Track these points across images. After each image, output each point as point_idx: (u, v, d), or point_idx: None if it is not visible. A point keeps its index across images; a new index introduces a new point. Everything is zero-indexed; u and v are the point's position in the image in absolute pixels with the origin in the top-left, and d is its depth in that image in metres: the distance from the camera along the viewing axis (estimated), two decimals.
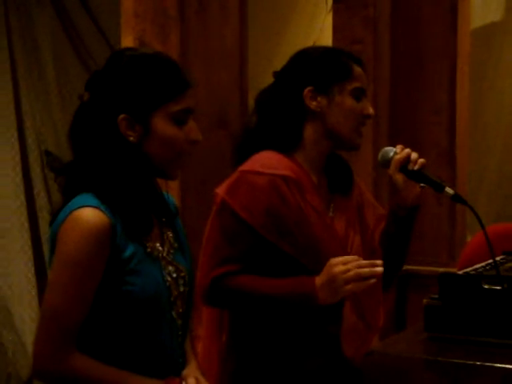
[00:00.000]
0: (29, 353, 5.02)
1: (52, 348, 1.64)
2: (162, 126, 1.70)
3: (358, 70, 2.11)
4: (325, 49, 2.18)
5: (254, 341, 2.10)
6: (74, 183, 1.72)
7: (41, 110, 5.15)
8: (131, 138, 1.70)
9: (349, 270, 1.90)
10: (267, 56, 4.41)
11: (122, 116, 1.69)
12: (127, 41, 3.01)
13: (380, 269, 1.91)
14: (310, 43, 4.77)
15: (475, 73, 4.49)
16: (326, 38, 4.65)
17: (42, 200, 5.18)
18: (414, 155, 2.10)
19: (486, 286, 2.32)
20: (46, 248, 5.18)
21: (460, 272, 2.56)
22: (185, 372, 1.78)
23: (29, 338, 5.03)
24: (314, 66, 2.09)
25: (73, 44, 5.27)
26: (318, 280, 1.94)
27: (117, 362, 1.68)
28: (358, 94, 2.10)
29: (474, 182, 4.75)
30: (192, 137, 1.74)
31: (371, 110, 2.13)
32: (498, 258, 2.65)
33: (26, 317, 5.04)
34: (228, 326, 2.16)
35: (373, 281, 1.92)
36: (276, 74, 2.17)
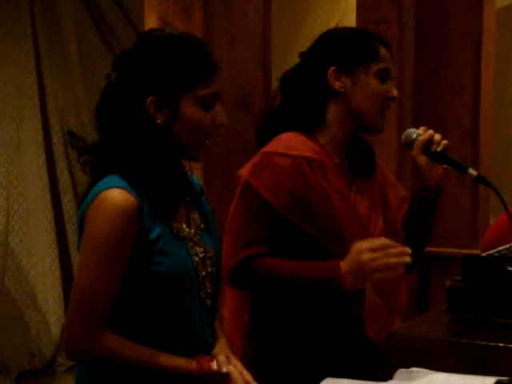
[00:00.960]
0: (52, 332, 5.07)
1: (84, 328, 1.65)
2: (189, 109, 1.70)
3: (383, 51, 2.10)
4: (351, 29, 2.17)
5: (275, 323, 2.10)
6: (102, 164, 1.73)
7: (64, 90, 5.17)
8: (159, 121, 1.70)
9: (377, 258, 1.90)
10: (290, 36, 4.38)
11: (150, 98, 1.68)
12: (150, 21, 3.00)
13: (408, 258, 1.89)
14: (333, 23, 4.73)
15: (500, 53, 4.45)
16: (350, 18, 4.62)
17: (65, 181, 5.20)
18: (437, 136, 2.08)
19: (509, 268, 2.31)
20: (69, 229, 5.21)
21: (483, 254, 2.55)
22: (215, 350, 1.79)
23: (52, 318, 5.08)
24: (339, 46, 2.08)
25: (96, 24, 5.27)
26: (344, 266, 1.93)
27: (147, 342, 1.69)
28: (383, 76, 2.09)
29: (499, 164, 4.71)
30: (219, 121, 1.74)
31: (396, 92, 2.12)
32: None
33: (49, 297, 5.09)
34: (250, 308, 2.16)
35: (401, 270, 1.92)
36: (302, 55, 2.16)
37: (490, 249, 2.61)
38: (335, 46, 2.08)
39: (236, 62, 3.21)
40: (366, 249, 1.90)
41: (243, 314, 2.17)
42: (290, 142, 2.04)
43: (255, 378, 1.76)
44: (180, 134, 1.72)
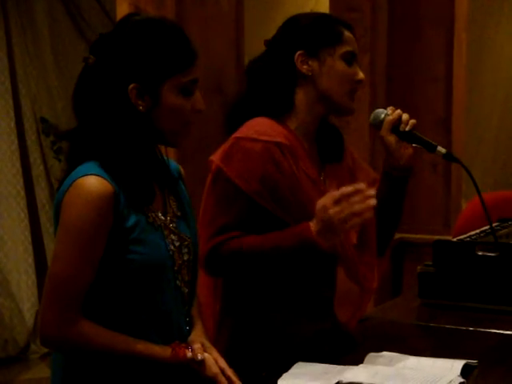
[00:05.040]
0: (26, 319, 5.05)
1: (58, 315, 1.65)
2: (170, 96, 1.70)
3: (348, 34, 2.12)
4: (314, 14, 2.18)
5: (246, 309, 2.11)
6: (78, 150, 1.71)
7: (36, 77, 5.13)
8: (141, 108, 1.69)
9: (342, 209, 1.90)
10: (264, 22, 4.38)
11: (132, 85, 1.67)
12: (122, 7, 2.98)
13: (373, 201, 1.89)
14: (307, 10, 4.74)
15: (473, 40, 4.47)
16: (323, 6, 4.62)
17: (38, 168, 5.17)
18: (405, 116, 2.11)
19: (479, 253, 2.34)
20: (42, 216, 5.19)
21: (454, 239, 2.58)
22: (190, 338, 1.79)
23: (25, 305, 5.06)
24: (304, 31, 2.10)
25: (68, 10, 5.23)
26: (314, 226, 1.94)
27: (123, 330, 1.68)
28: (349, 58, 2.11)
29: (471, 152, 4.75)
30: (198, 107, 1.74)
31: (362, 75, 2.13)
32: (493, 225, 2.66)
33: (23, 284, 5.07)
34: (221, 294, 2.16)
35: (370, 214, 1.91)
36: (267, 42, 2.17)
37: (462, 234, 2.64)
38: (300, 31, 2.10)
39: (209, 47, 3.20)
40: (330, 203, 1.91)
41: (215, 302, 2.18)
42: (260, 128, 2.05)
43: (229, 364, 1.77)
44: (161, 121, 1.71)
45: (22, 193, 5.08)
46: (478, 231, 2.64)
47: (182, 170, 1.91)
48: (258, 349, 2.09)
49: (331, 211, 1.90)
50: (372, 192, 1.90)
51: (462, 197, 4.33)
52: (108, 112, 1.68)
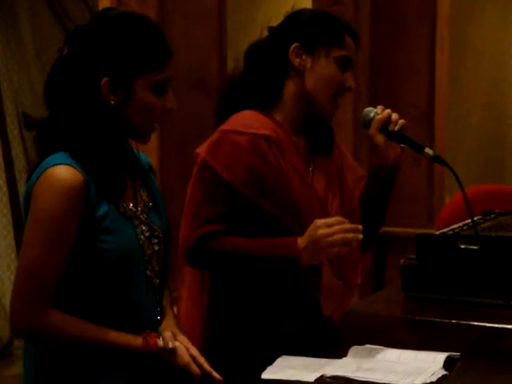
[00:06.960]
0: (8, 315, 5.01)
1: (28, 304, 1.65)
2: (142, 93, 1.70)
3: (349, 40, 2.11)
4: (322, 11, 2.16)
5: (233, 303, 2.11)
6: (49, 141, 1.72)
7: (18, 71, 5.10)
8: (112, 102, 1.70)
9: (333, 233, 1.92)
10: (246, 17, 4.37)
11: (105, 79, 1.68)
12: (105, 1, 2.97)
13: (361, 235, 1.93)
14: (289, 4, 4.73)
15: (455, 35, 4.49)
16: (306, 1, 4.62)
17: (20, 162, 5.14)
18: (394, 116, 2.11)
19: (462, 246, 2.35)
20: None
21: (437, 232, 2.59)
22: (161, 327, 1.79)
23: (8, 300, 5.01)
24: (305, 24, 2.09)
25: (49, 3, 5.21)
26: (301, 242, 1.96)
27: (95, 320, 1.69)
28: (344, 64, 2.10)
29: (453, 145, 4.77)
30: (169, 106, 1.75)
31: (352, 83, 2.12)
32: (475, 218, 2.68)
33: (6, 279, 5.04)
34: (209, 288, 2.16)
35: (355, 244, 1.95)
36: (270, 29, 2.15)
37: (445, 228, 2.66)
38: (302, 24, 2.09)
39: (191, 41, 3.20)
40: (322, 224, 1.93)
41: (202, 294, 2.18)
42: (246, 121, 2.05)
43: (214, 357, 1.77)
44: (131, 116, 1.72)
45: (5, 188, 5.05)
46: (460, 224, 2.66)
47: (151, 162, 1.92)
48: (243, 342, 2.09)
49: (321, 232, 1.92)
50: (361, 227, 1.94)
51: (445, 190, 4.35)
52: (79, 104, 1.69)
